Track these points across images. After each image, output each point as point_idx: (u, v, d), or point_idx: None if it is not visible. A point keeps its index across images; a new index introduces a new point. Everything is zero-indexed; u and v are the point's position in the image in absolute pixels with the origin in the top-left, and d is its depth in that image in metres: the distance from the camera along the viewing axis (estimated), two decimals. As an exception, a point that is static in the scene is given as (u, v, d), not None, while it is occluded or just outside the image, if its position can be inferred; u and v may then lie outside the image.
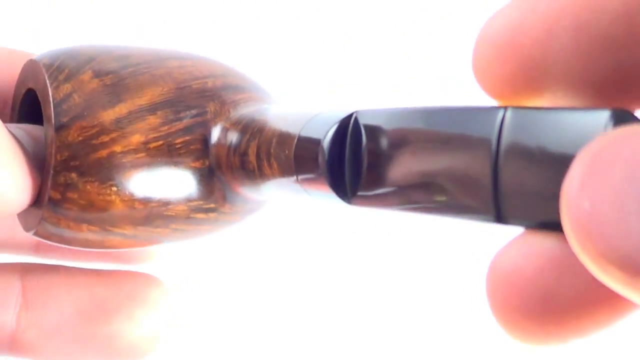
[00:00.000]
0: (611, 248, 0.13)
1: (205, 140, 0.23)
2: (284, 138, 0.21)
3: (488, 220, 0.16)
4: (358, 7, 0.52)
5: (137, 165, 0.23)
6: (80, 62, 0.23)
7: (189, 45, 0.27)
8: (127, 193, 0.23)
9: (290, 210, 0.50)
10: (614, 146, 0.13)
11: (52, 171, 0.22)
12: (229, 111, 0.24)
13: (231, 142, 0.23)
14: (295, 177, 0.21)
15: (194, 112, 0.24)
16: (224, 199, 0.24)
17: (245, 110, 0.24)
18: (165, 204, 0.23)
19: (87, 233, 0.23)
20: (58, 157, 0.23)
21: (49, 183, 0.22)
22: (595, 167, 0.13)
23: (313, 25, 0.51)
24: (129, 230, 0.23)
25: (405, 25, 0.52)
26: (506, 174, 0.15)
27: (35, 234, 0.23)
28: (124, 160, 0.23)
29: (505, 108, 0.16)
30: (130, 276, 0.27)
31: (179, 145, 0.23)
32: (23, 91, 0.25)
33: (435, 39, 0.52)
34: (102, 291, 0.26)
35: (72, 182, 0.22)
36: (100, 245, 0.23)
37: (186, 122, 0.23)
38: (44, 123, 0.23)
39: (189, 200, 0.23)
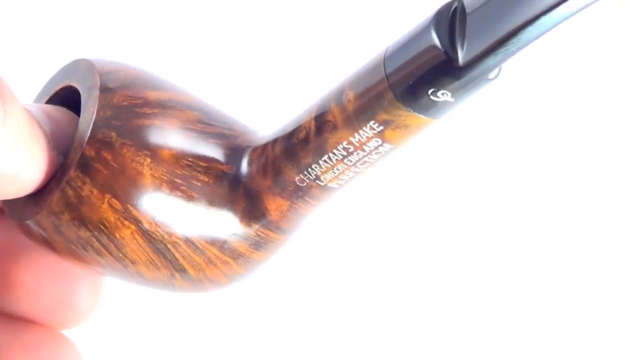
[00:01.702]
0: None
1: (236, 149, 0.24)
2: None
3: None
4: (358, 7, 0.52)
5: (172, 145, 0.23)
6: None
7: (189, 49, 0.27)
8: (158, 169, 0.23)
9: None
10: None
11: (92, 126, 0.22)
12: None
13: (275, 138, 0.24)
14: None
15: (225, 126, 0.24)
16: (244, 211, 0.24)
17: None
18: (190, 197, 0.23)
19: (107, 211, 0.22)
20: (101, 113, 0.22)
21: (86, 139, 0.22)
22: None
23: (313, 25, 0.51)
24: (147, 220, 0.23)
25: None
26: None
27: (39, 216, 0.23)
28: (162, 134, 0.23)
29: None
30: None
31: (210, 143, 0.24)
32: (57, 89, 0.25)
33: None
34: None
35: (110, 140, 0.22)
36: (110, 234, 0.23)
37: (219, 129, 0.24)
38: (86, 92, 0.23)
39: (210, 204, 0.24)
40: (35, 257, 0.25)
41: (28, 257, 0.25)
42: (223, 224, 0.24)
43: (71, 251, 0.23)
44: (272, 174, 0.24)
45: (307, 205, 0.24)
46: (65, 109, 0.24)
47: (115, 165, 0.22)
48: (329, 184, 0.23)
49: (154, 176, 0.23)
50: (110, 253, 0.23)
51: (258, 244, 0.24)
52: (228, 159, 0.24)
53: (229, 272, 0.24)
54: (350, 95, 0.22)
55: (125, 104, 0.23)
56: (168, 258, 0.23)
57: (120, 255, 0.23)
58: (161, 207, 0.23)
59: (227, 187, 0.24)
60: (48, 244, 0.23)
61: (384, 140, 0.22)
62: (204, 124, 0.24)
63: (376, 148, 0.22)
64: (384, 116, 0.21)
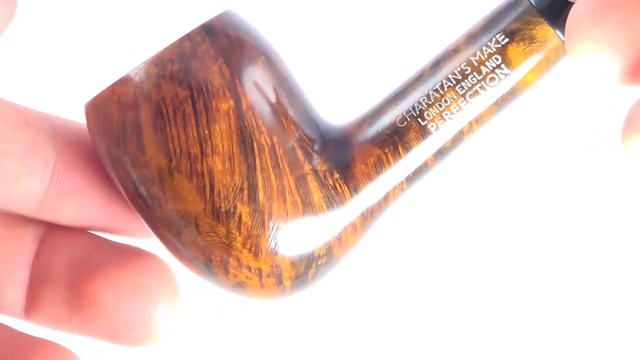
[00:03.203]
0: None
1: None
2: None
3: None
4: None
5: (284, 71, 0.24)
6: None
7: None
8: (269, 69, 0.24)
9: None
10: None
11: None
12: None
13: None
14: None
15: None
16: (329, 155, 0.24)
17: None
18: (287, 106, 0.24)
19: (215, 73, 0.23)
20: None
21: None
22: None
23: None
24: (247, 103, 0.23)
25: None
26: None
27: (148, 64, 0.23)
28: (279, 59, 0.25)
29: None
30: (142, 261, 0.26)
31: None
32: None
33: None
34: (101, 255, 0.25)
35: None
36: (208, 100, 0.22)
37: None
38: None
39: (304, 123, 0.24)
40: (113, 272, 0.25)
41: (105, 274, 0.25)
42: (310, 153, 0.24)
43: (155, 124, 0.22)
44: (370, 119, 0.24)
45: (395, 159, 0.24)
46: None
47: (236, 41, 0.23)
48: (429, 125, 0.23)
49: (264, 69, 0.23)
50: (197, 125, 0.22)
51: (330, 201, 0.24)
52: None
53: (291, 219, 0.23)
54: (477, 24, 0.24)
55: None
56: (248, 161, 0.23)
57: (206, 133, 0.22)
58: (263, 99, 0.23)
59: (320, 133, 0.24)
60: (133, 116, 0.23)
61: (503, 59, 0.23)
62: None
63: (493, 70, 0.23)
64: (512, 25, 0.23)
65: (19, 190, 0.24)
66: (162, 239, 0.24)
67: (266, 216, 0.23)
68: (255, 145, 0.23)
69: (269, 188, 0.23)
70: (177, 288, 0.25)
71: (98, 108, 0.23)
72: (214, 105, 0.22)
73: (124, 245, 0.26)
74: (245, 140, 0.23)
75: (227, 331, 0.51)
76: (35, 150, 0.24)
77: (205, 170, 0.22)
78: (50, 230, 0.26)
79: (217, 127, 0.22)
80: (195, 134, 0.22)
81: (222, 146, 0.22)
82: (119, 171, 0.23)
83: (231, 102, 0.22)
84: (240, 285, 0.24)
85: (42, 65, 0.48)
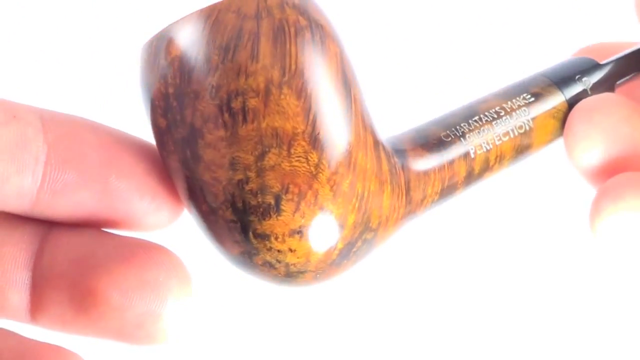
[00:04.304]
0: None
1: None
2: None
3: None
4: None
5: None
6: None
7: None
8: (335, 45, 0.25)
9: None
10: None
11: None
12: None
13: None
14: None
15: None
16: (387, 147, 0.26)
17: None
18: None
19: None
20: None
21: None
22: None
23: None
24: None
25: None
26: None
27: None
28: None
29: None
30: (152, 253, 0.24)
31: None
32: None
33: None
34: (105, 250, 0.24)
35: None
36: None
37: None
38: None
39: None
40: (118, 268, 0.24)
41: (112, 270, 0.24)
42: (377, 128, 0.25)
43: (276, 37, 0.23)
44: (416, 131, 0.27)
45: (437, 162, 0.26)
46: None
47: (329, 18, 0.24)
48: (469, 147, 0.27)
49: (348, 59, 0.24)
50: (313, 51, 0.23)
51: (392, 177, 0.25)
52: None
53: (368, 173, 0.24)
54: (502, 88, 0.29)
55: None
56: (347, 103, 0.24)
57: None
58: (352, 63, 0.24)
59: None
60: (253, 26, 0.23)
61: (529, 111, 0.28)
62: None
63: (521, 119, 0.28)
64: (535, 89, 0.28)
65: (11, 189, 0.23)
66: (231, 164, 0.23)
67: (352, 159, 0.24)
68: (352, 92, 0.24)
69: (357, 135, 0.24)
70: (189, 280, 0.24)
71: (205, 18, 0.23)
72: (327, 43, 0.24)
73: (129, 238, 0.25)
74: (346, 84, 0.24)
75: (239, 326, 0.51)
76: (25, 146, 0.23)
77: (313, 93, 0.23)
78: (50, 229, 0.25)
79: (328, 60, 0.23)
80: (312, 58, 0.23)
81: (329, 79, 0.23)
82: (210, 82, 0.23)
83: (338, 48, 0.24)
84: (299, 232, 0.23)
85: (28, 59, 0.48)
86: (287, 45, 0.23)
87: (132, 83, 0.26)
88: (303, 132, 0.23)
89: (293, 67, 0.23)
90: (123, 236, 0.25)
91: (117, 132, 0.25)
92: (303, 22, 0.23)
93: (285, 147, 0.23)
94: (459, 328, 0.51)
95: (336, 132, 0.23)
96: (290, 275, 0.24)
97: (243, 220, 0.23)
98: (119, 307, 0.23)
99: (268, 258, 0.24)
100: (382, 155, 0.25)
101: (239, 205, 0.23)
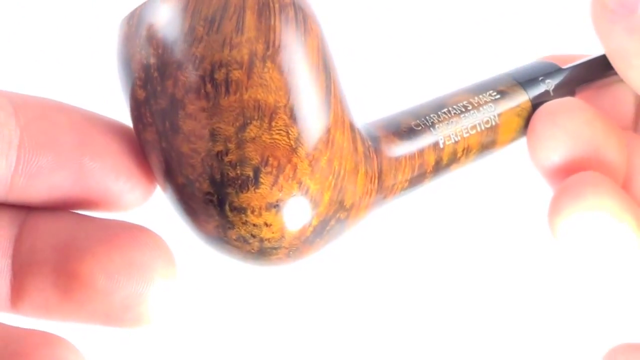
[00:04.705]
0: None
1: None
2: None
3: None
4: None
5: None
6: None
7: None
8: (317, 40, 0.25)
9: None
10: None
11: None
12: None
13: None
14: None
15: None
16: (362, 133, 0.26)
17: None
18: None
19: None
20: None
21: None
22: None
23: None
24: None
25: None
26: None
27: None
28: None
29: None
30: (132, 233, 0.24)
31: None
32: None
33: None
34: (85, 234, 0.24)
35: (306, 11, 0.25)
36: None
37: None
38: None
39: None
40: (102, 250, 0.23)
41: (96, 252, 0.23)
42: (353, 113, 0.25)
43: (261, 11, 0.23)
44: (389, 119, 0.27)
45: (411, 157, 0.27)
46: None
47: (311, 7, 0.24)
48: (438, 137, 0.27)
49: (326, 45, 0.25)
50: (297, 29, 0.23)
51: (366, 160, 0.25)
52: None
53: (344, 153, 0.24)
54: (470, 84, 0.29)
55: None
56: (327, 82, 0.24)
57: (303, 40, 0.24)
58: (330, 49, 0.25)
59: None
60: (235, 8, 0.23)
61: (495, 108, 0.29)
62: None
63: (488, 114, 0.28)
64: (501, 87, 0.29)
65: None
66: (211, 135, 0.23)
67: (330, 137, 0.24)
68: (331, 74, 0.24)
69: (336, 114, 0.24)
70: (173, 261, 0.24)
71: None
72: (309, 22, 0.24)
73: (111, 220, 0.24)
74: (326, 64, 0.24)
75: (228, 332, 0.50)
76: None
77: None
78: (28, 214, 0.24)
79: (310, 40, 0.24)
80: (294, 35, 0.23)
81: (312, 57, 0.24)
82: (193, 53, 0.23)
83: (319, 30, 0.24)
84: (276, 205, 0.23)
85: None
86: (272, 20, 0.23)
87: (103, 64, 0.25)
88: (285, 105, 0.23)
89: (277, 42, 0.23)
90: (102, 218, 0.24)
91: (89, 113, 0.25)
92: (286, 0, 0.23)
93: (266, 120, 0.23)
94: (452, 326, 0.51)
95: (316, 108, 0.23)
96: (263, 251, 0.24)
97: (220, 192, 0.23)
98: (105, 290, 0.23)
99: (243, 232, 0.23)
100: (358, 137, 0.25)
101: (217, 177, 0.23)
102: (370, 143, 0.26)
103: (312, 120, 0.23)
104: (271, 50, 0.23)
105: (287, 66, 0.23)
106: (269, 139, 0.23)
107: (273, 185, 0.23)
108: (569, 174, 0.26)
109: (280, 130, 0.23)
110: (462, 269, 0.51)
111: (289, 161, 0.23)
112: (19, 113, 0.23)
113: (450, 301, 0.51)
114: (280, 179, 0.23)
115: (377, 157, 0.26)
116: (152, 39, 0.23)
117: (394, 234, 0.51)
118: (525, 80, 0.30)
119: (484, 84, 0.30)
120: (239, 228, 0.23)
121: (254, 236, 0.24)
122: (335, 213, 0.24)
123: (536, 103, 0.29)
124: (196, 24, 0.23)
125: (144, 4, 0.24)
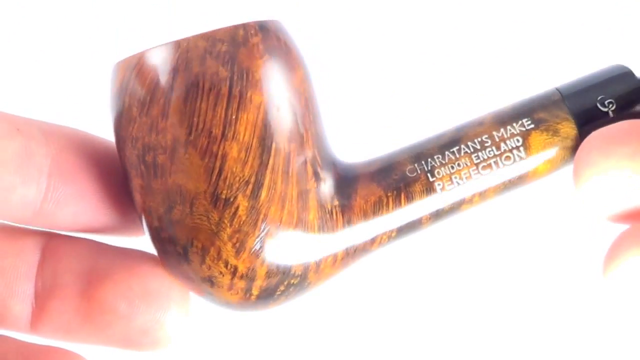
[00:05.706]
0: None
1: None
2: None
3: None
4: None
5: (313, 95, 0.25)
6: None
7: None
8: (302, 86, 0.24)
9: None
10: None
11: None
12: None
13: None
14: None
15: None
16: (337, 181, 0.25)
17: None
18: (307, 119, 0.24)
19: (258, 68, 0.23)
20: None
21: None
22: None
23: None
24: (275, 105, 0.23)
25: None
26: None
27: (196, 37, 0.23)
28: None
29: None
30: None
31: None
32: None
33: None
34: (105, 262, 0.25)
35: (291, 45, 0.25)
36: (244, 89, 0.23)
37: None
38: None
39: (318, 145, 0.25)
40: (125, 278, 0.24)
41: (117, 279, 0.24)
42: (318, 173, 0.24)
43: (187, 94, 0.23)
44: (382, 161, 0.25)
45: (394, 205, 0.24)
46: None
47: (284, 46, 0.24)
48: (436, 183, 0.24)
49: (301, 81, 0.24)
50: (227, 107, 0.23)
51: (323, 224, 0.24)
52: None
53: (282, 227, 0.23)
54: (508, 106, 0.25)
55: None
56: (262, 158, 0.23)
57: (233, 117, 0.23)
58: (293, 106, 0.23)
59: (333, 157, 0.25)
60: (168, 81, 0.23)
61: (523, 142, 0.24)
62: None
63: (511, 150, 0.24)
64: (541, 114, 0.25)
65: (16, 199, 0.24)
66: (148, 211, 0.24)
67: (261, 216, 0.23)
68: (273, 145, 0.23)
69: (273, 190, 0.23)
70: (187, 291, 0.25)
71: (133, 66, 0.23)
72: (249, 94, 0.23)
73: (128, 249, 0.25)
74: (266, 137, 0.23)
75: (235, 330, 0.51)
76: (29, 158, 0.24)
77: (220, 153, 0.23)
78: (50, 240, 0.25)
79: (245, 116, 0.23)
80: (222, 116, 0.22)
81: (244, 135, 0.23)
82: (130, 132, 0.23)
83: (265, 97, 0.23)
84: (209, 280, 0.24)
85: (30, 72, 0.48)
86: (197, 102, 0.22)
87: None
88: (205, 191, 0.23)
89: (200, 125, 0.22)
90: (121, 247, 0.26)
91: (112, 143, 0.25)
92: (223, 74, 0.23)
93: (187, 205, 0.23)
94: (453, 329, 0.51)
95: (243, 190, 0.23)
96: (225, 305, 0.25)
97: (165, 260, 0.24)
98: (126, 316, 0.24)
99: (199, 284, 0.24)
100: (311, 204, 0.24)
101: (159, 246, 0.24)
102: (337, 202, 0.24)
103: (236, 203, 0.23)
104: (193, 135, 0.22)
105: (210, 150, 0.22)
106: (191, 222, 0.23)
107: (202, 264, 0.23)
108: (632, 220, 0.22)
109: (201, 215, 0.23)
110: (463, 275, 0.51)
111: (212, 244, 0.23)
112: (49, 142, 0.24)
113: (451, 303, 0.51)
114: (207, 260, 0.23)
115: (344, 217, 0.24)
116: (116, 101, 0.24)
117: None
118: (575, 99, 0.24)
119: (516, 107, 0.25)
120: (199, 276, 0.24)
121: (211, 283, 0.24)
122: (283, 281, 0.24)
123: (587, 129, 0.24)
124: (132, 104, 0.23)
125: (113, 66, 0.24)
